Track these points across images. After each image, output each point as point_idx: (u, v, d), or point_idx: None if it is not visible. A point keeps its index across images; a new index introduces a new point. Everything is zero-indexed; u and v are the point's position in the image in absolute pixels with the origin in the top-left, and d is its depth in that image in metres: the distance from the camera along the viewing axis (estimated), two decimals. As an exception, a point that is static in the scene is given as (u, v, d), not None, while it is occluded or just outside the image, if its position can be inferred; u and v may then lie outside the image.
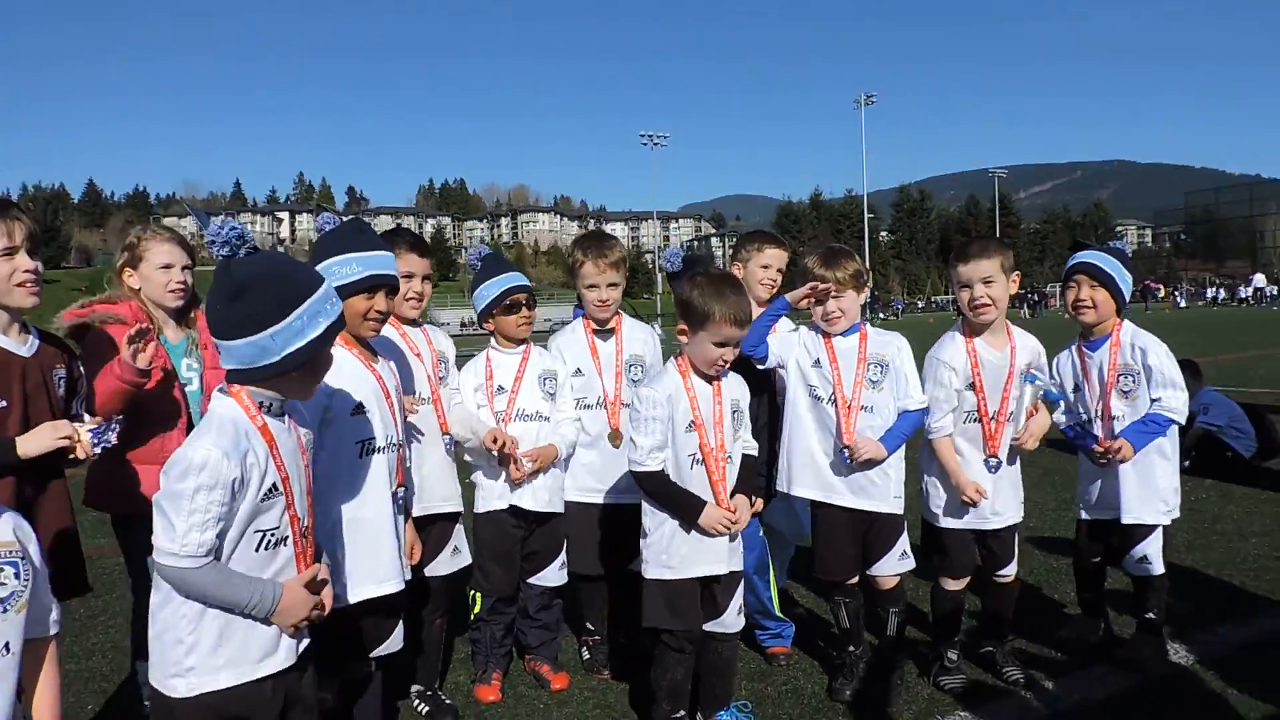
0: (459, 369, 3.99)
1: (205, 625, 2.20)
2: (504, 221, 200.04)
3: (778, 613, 4.23)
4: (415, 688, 3.71)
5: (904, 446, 3.68)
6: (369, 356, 3.05)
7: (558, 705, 3.81)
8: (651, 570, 3.28)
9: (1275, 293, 60.50)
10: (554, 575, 4.01)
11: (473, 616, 4.12)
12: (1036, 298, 59.08)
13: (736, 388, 3.40)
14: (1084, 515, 4.00)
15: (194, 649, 2.19)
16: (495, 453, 3.75)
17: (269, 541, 2.29)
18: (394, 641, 3.08)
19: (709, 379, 3.28)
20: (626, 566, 4.01)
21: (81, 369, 3.07)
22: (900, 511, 3.72)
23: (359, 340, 3.01)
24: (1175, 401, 3.68)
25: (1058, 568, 5.20)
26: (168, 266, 3.50)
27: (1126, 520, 3.77)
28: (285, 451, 2.32)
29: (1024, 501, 3.89)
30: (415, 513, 3.42)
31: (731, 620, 3.37)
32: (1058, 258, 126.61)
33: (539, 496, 3.88)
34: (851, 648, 3.81)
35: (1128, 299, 3.84)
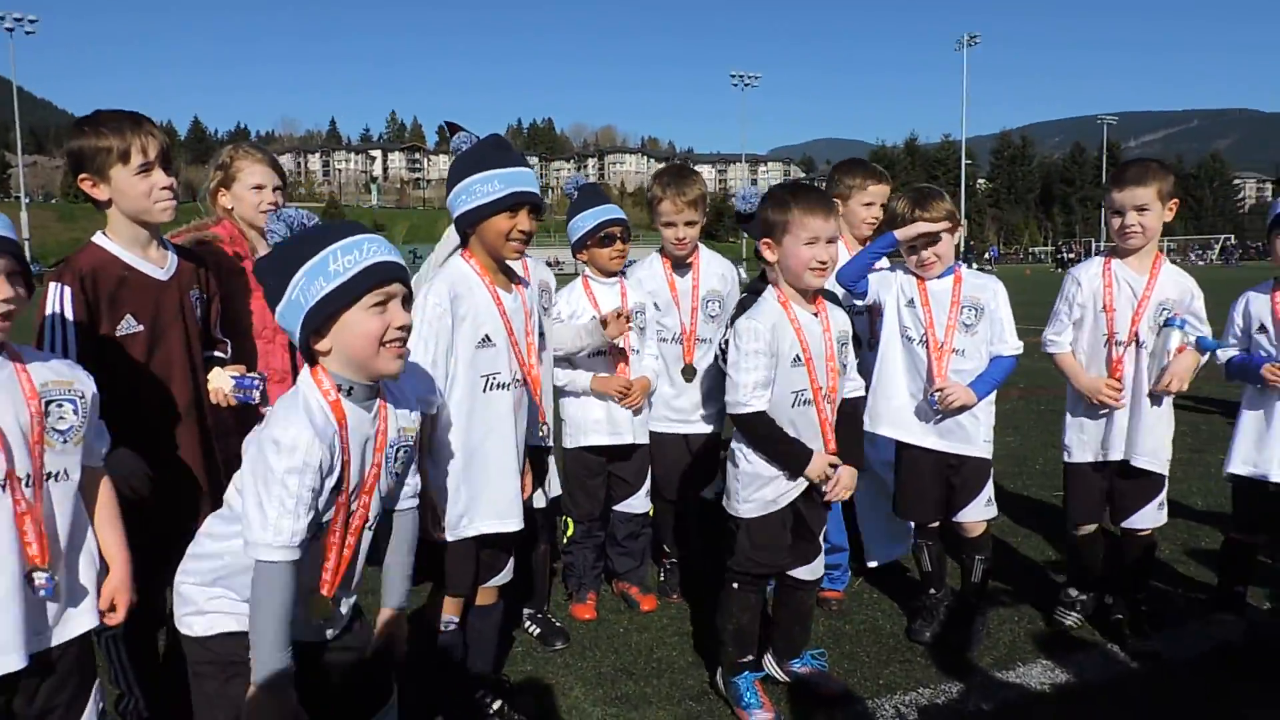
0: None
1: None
2: (591, 162, 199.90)
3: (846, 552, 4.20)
4: (526, 611, 3.84)
5: (995, 392, 3.60)
6: (505, 284, 2.97)
7: (637, 630, 3.89)
8: (743, 509, 3.14)
9: None
10: (639, 503, 4.11)
11: (565, 541, 4.26)
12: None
13: (842, 319, 3.22)
14: (1240, 471, 3.50)
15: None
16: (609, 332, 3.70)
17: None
18: (506, 573, 3.14)
19: (814, 312, 3.09)
20: (699, 493, 4.17)
21: (215, 283, 3.04)
22: (988, 456, 3.64)
23: (499, 265, 2.96)
24: None
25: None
26: (260, 187, 3.44)
27: None
28: (355, 438, 2.16)
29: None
30: None
31: (818, 566, 3.32)
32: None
33: (624, 429, 3.96)
34: (932, 590, 3.78)
35: None
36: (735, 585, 3.19)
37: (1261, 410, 3.46)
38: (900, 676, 3.43)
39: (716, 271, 4.19)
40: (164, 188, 2.69)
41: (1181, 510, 5.23)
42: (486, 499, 2.92)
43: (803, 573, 3.28)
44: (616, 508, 4.11)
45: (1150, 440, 3.54)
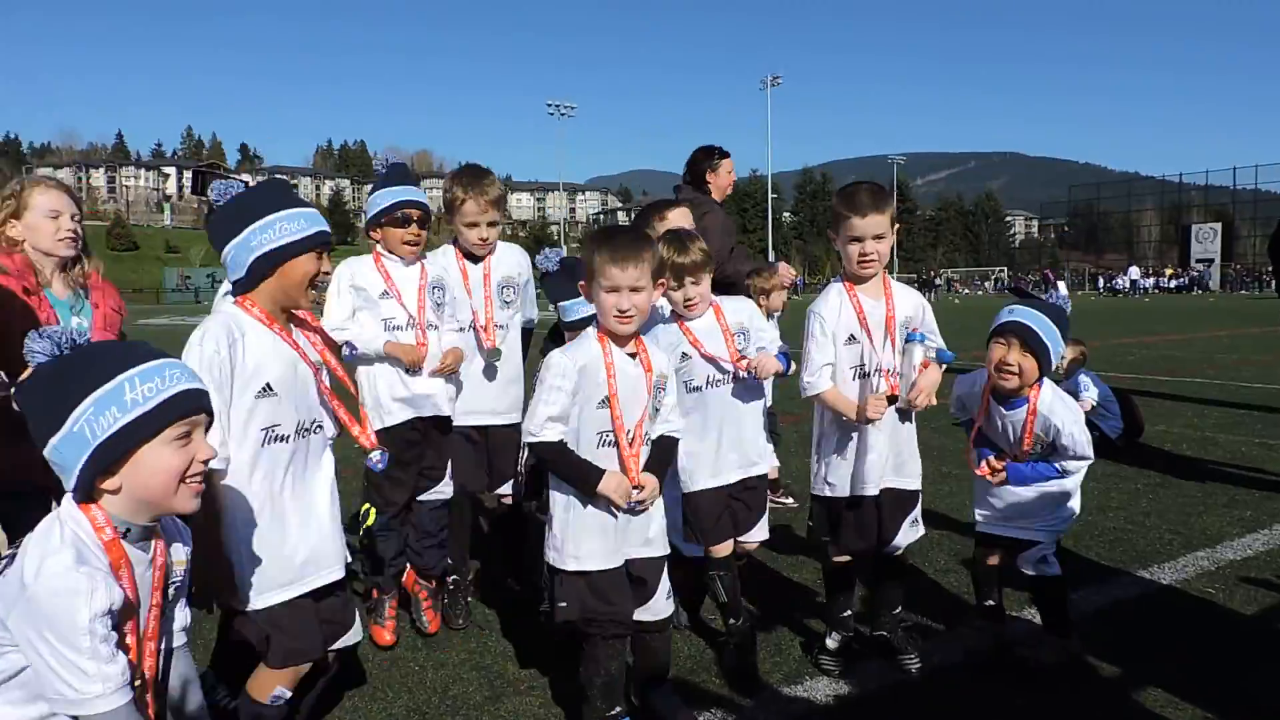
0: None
1: None
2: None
3: None
4: None
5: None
6: (289, 332, 2.77)
7: (434, 668, 3.76)
8: (562, 561, 2.98)
9: (1148, 285, 64.22)
10: (446, 488, 4.04)
11: (362, 531, 4.00)
12: (927, 280, 61.84)
13: (663, 361, 3.13)
14: (982, 527, 3.81)
15: None
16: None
17: None
18: (356, 631, 2.94)
19: (631, 353, 3.00)
20: (498, 494, 4.24)
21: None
22: (769, 475, 3.81)
23: (286, 313, 2.77)
24: (1078, 468, 3.57)
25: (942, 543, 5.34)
26: (55, 214, 3.32)
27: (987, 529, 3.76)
28: (137, 583, 1.98)
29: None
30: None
31: (661, 605, 3.16)
32: (950, 244, 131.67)
33: (432, 402, 3.89)
34: (731, 620, 3.74)
35: (1054, 365, 3.58)
36: (594, 632, 3.01)
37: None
38: (696, 698, 3.48)
39: (510, 258, 4.21)
40: None
41: (954, 525, 5.63)
42: (290, 558, 2.71)
43: (645, 614, 3.14)
44: (422, 496, 4.00)
45: (904, 455, 3.63)
